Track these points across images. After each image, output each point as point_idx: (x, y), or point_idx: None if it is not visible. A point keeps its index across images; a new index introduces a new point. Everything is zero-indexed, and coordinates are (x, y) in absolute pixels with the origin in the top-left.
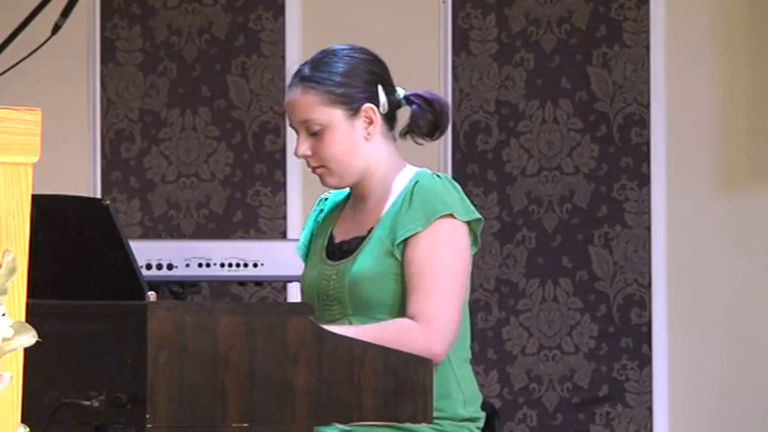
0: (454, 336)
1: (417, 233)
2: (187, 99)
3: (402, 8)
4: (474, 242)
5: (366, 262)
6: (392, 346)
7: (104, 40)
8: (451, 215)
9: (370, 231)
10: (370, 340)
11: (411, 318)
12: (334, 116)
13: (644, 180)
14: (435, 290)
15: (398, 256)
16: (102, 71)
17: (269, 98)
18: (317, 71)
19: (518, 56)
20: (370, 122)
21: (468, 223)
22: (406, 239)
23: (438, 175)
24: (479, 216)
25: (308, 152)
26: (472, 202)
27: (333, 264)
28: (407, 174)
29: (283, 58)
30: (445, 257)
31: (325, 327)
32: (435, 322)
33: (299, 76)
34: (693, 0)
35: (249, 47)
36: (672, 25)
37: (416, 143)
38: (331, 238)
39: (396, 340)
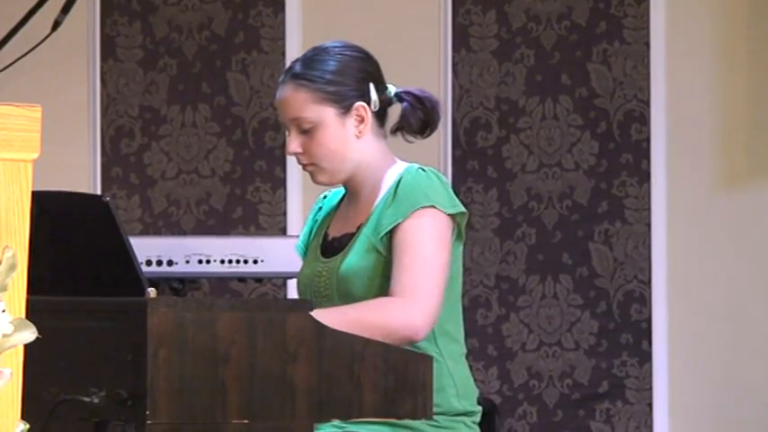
0: (436, 312)
1: (398, 224)
2: (187, 95)
3: (402, 4)
4: (458, 236)
5: (354, 258)
6: (369, 319)
7: (104, 37)
8: (433, 207)
9: (359, 228)
10: (352, 319)
11: (392, 294)
12: (324, 114)
13: (644, 176)
14: (417, 268)
15: (382, 250)
16: (102, 68)
17: (269, 95)
18: (308, 69)
19: (518, 52)
20: (362, 121)
21: (454, 217)
22: (388, 232)
23: (423, 169)
24: (463, 209)
25: (299, 150)
26: (472, 199)
27: (325, 260)
28: (397, 169)
29: (283, 54)
30: (427, 239)
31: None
32: (415, 296)
33: (291, 74)
34: None
35: (249, 43)
36: (671, 22)
37: (407, 141)
38: (326, 235)
39: (373, 314)
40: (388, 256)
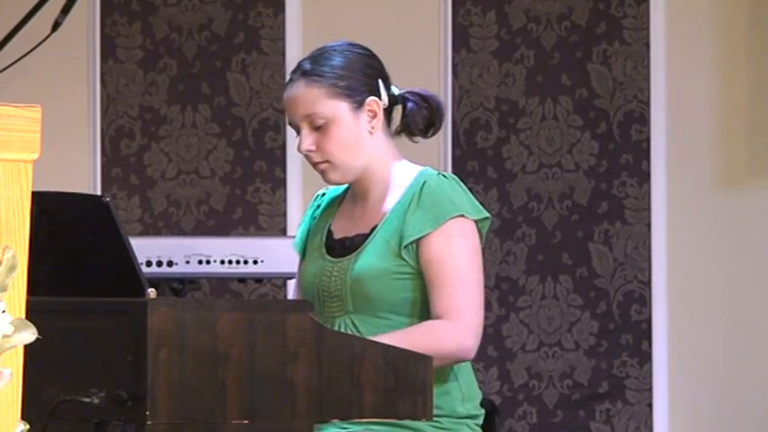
0: (481, 329)
1: (427, 234)
2: (187, 96)
3: (402, 5)
4: (479, 239)
5: (370, 259)
6: (422, 346)
7: (104, 37)
8: (462, 215)
9: (373, 229)
10: (403, 345)
11: (437, 317)
12: (339, 109)
13: (644, 177)
14: (458, 287)
15: (407, 258)
16: (102, 68)
17: (269, 95)
18: (318, 65)
19: (518, 53)
20: (374, 116)
21: (477, 222)
22: (415, 241)
23: (444, 175)
24: (488, 214)
25: (312, 147)
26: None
27: (334, 260)
28: (407, 170)
29: (283, 55)
30: (463, 254)
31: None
32: (463, 317)
33: (301, 71)
34: None
35: (249, 44)
36: (672, 22)
37: (412, 141)
38: (329, 233)
39: (425, 340)
40: (414, 264)
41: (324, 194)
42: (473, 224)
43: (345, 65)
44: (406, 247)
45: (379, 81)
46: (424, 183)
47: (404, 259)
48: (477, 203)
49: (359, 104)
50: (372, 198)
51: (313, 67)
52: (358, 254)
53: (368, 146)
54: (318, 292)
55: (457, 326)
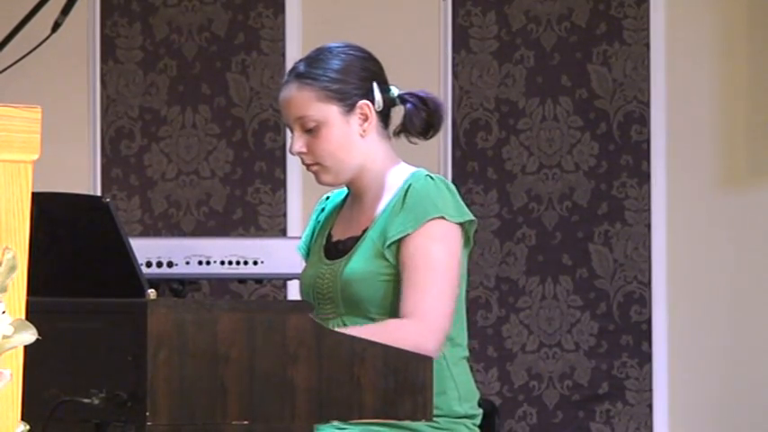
0: (446, 331)
1: (407, 235)
2: (187, 97)
3: (402, 6)
4: (466, 243)
5: (358, 262)
6: (385, 343)
7: (104, 38)
8: (443, 217)
9: (364, 232)
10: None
11: (404, 316)
12: (329, 112)
13: (644, 178)
14: (427, 287)
15: (390, 258)
16: (102, 69)
17: (269, 96)
18: (312, 68)
19: (518, 53)
20: (366, 119)
21: (462, 224)
22: (397, 241)
23: (432, 177)
24: (472, 217)
25: (303, 149)
26: (472, 200)
27: (328, 263)
28: (402, 172)
29: (283, 55)
30: (437, 255)
31: None
32: (427, 319)
33: (295, 73)
34: None
35: (249, 44)
36: (672, 22)
37: (411, 142)
38: (329, 237)
39: (389, 339)
40: (396, 265)
41: (328, 198)
42: (455, 227)
43: (339, 68)
44: (388, 247)
45: (374, 84)
46: (410, 185)
47: (387, 260)
48: (464, 206)
49: (350, 108)
50: (367, 200)
51: (306, 70)
52: (348, 256)
53: (359, 148)
54: (314, 294)
55: (419, 327)
